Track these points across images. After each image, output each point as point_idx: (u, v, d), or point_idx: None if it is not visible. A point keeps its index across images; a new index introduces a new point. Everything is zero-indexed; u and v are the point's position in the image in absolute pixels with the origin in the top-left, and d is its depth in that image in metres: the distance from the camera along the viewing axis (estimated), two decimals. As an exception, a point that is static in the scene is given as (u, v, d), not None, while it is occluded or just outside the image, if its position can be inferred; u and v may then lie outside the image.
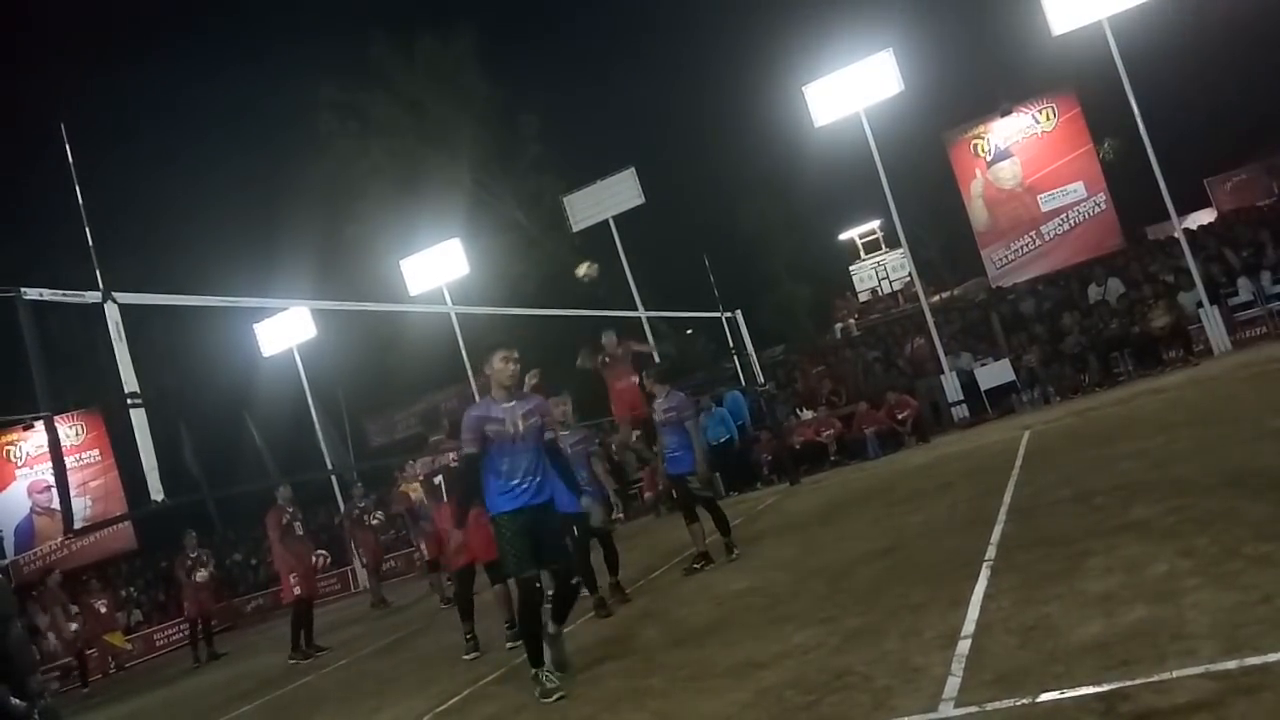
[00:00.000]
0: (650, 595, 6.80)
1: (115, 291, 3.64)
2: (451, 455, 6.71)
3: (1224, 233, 16.16)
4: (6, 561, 21.10)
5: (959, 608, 3.94)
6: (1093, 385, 13.03)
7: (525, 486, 4.63)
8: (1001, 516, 5.65)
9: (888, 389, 14.41)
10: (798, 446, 14.03)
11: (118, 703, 11.26)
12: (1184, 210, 16.29)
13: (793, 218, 28.53)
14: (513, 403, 4.73)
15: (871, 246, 30.17)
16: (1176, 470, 5.54)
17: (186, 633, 13.70)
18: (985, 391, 13.88)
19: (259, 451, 24.55)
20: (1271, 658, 2.58)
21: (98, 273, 3.82)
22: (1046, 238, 18.91)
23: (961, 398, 14.10)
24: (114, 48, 30.63)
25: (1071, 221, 18.66)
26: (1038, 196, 18.87)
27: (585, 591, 6.36)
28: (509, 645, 6.17)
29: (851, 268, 30.29)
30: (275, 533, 9.71)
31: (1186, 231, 14.88)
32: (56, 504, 21.99)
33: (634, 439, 11.09)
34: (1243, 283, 13.52)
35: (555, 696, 4.44)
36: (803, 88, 15.55)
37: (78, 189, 4.22)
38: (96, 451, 24.57)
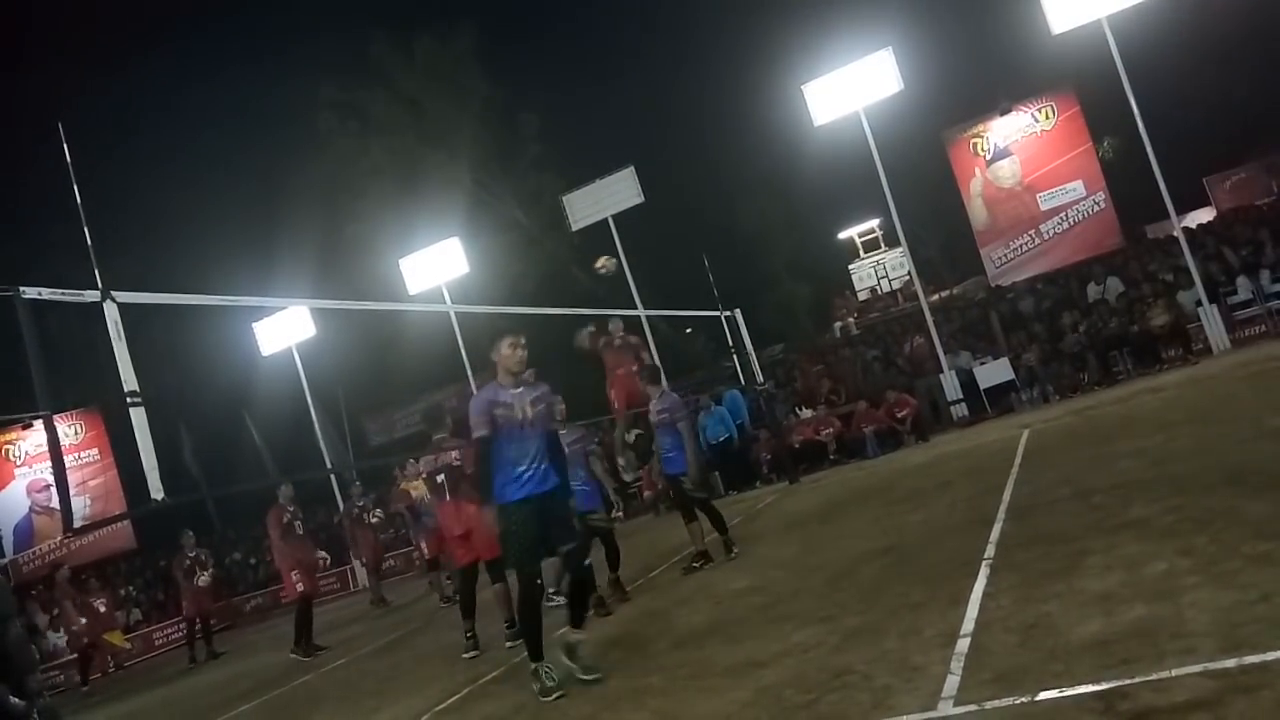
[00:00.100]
0: (650, 594, 6.81)
1: (114, 290, 3.62)
2: (455, 454, 6.71)
3: (1223, 231, 16.16)
4: (5, 561, 21.11)
5: (958, 606, 3.95)
6: (1092, 384, 13.04)
7: (531, 474, 4.61)
8: (1001, 515, 5.65)
9: (887, 388, 14.42)
10: (797, 445, 14.04)
11: (117, 702, 11.26)
12: (1183, 209, 16.29)
13: (792, 216, 28.53)
14: (520, 389, 4.73)
15: (871, 245, 30.18)
16: (1175, 469, 5.54)
17: (184, 631, 13.71)
18: (984, 390, 13.89)
19: (258, 450, 24.58)
20: (1270, 656, 2.58)
21: (96, 272, 3.82)
22: (1046, 236, 18.90)
23: (960, 396, 14.11)
24: (114, 47, 30.64)
25: (1071, 220, 18.66)
26: (1037, 195, 18.86)
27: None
28: (508, 644, 6.17)
29: (851, 266, 30.29)
30: (277, 531, 9.72)
31: (1185, 230, 14.88)
32: (56, 503, 22.00)
33: (633, 438, 11.09)
34: (1242, 281, 13.52)
35: (555, 695, 4.44)
36: (802, 87, 15.55)
37: (76, 188, 4.21)
38: (96, 450, 24.56)
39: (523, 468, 4.59)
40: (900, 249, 22.41)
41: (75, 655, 13.72)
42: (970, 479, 7.90)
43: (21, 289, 3.27)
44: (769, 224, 28.30)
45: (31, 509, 23.23)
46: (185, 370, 29.50)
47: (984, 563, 4.57)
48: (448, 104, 25.72)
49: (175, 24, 33.69)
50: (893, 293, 28.49)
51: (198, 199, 29.72)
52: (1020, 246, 19.24)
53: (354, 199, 25.83)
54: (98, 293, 3.62)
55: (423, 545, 11.16)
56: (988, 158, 19.19)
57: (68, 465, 21.40)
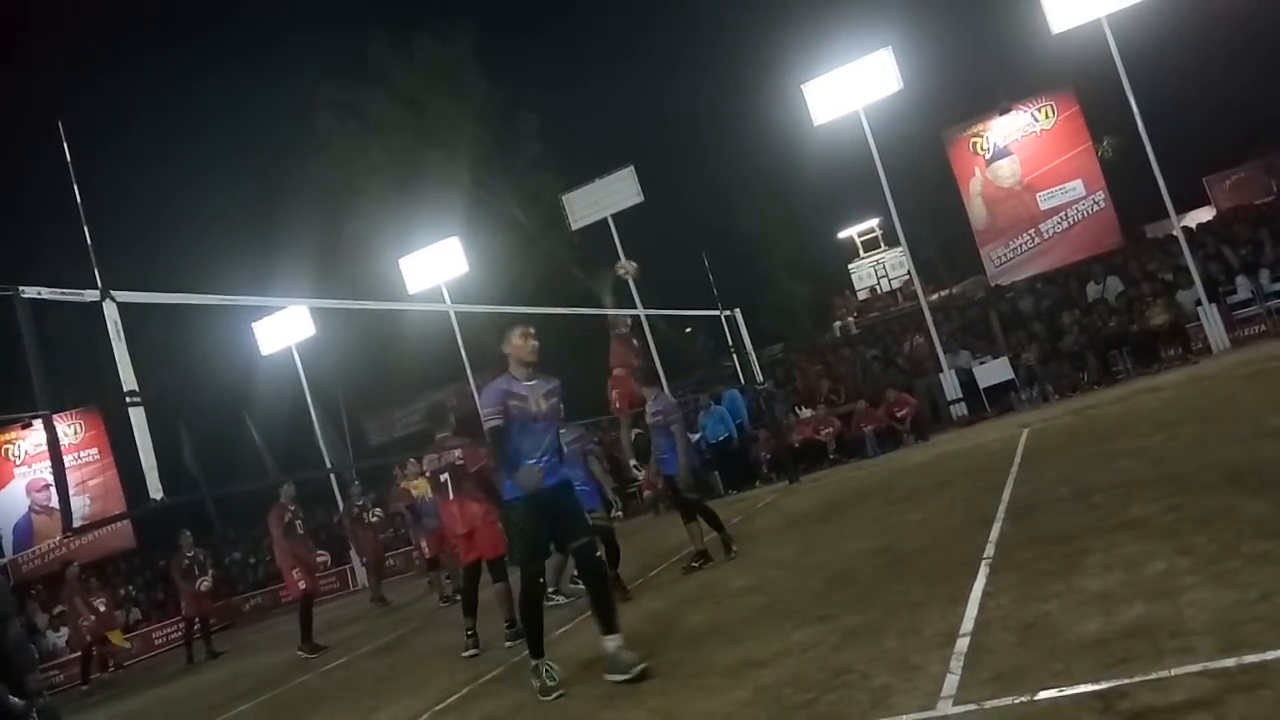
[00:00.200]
0: (649, 593, 6.81)
1: (114, 290, 3.62)
2: (457, 453, 6.72)
3: (1222, 231, 16.16)
4: (5, 560, 21.10)
5: (958, 606, 3.94)
6: (1091, 383, 13.04)
7: (541, 467, 4.58)
8: (1000, 515, 5.65)
9: (886, 387, 14.42)
10: (797, 445, 14.04)
11: (116, 701, 11.26)
12: (1183, 208, 16.30)
13: (792, 216, 28.55)
14: (535, 381, 4.72)
15: (870, 245, 30.21)
16: (1175, 468, 5.54)
17: (182, 631, 13.71)
18: (984, 390, 13.90)
19: (258, 450, 24.55)
20: (1270, 655, 2.58)
21: (96, 271, 3.82)
22: (1045, 236, 18.90)
23: (960, 396, 14.11)
24: (114, 46, 30.65)
25: (1070, 220, 18.66)
26: (1036, 195, 18.86)
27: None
28: (508, 644, 6.18)
29: (850, 266, 30.33)
30: (278, 530, 9.76)
31: (1185, 230, 14.88)
32: (55, 502, 21.99)
33: (633, 437, 11.08)
34: (1241, 281, 13.53)
35: (554, 695, 4.45)
36: (802, 86, 15.55)
37: (76, 187, 4.21)
38: (95, 450, 24.54)
39: (533, 460, 4.57)
40: (900, 248, 22.43)
41: (78, 654, 13.71)
42: (970, 478, 7.90)
43: (21, 288, 3.27)
44: (768, 224, 28.33)
45: (31, 508, 23.23)
46: (185, 370, 29.50)
47: (983, 562, 4.57)
48: (447, 103, 25.71)
49: (175, 23, 33.75)
50: (892, 292, 28.52)
51: (197, 198, 29.78)
52: (1020, 246, 19.24)
53: (353, 198, 25.81)
54: (97, 292, 3.62)
55: (423, 545, 11.17)
56: (987, 157, 19.19)
57: (67, 465, 21.46)
